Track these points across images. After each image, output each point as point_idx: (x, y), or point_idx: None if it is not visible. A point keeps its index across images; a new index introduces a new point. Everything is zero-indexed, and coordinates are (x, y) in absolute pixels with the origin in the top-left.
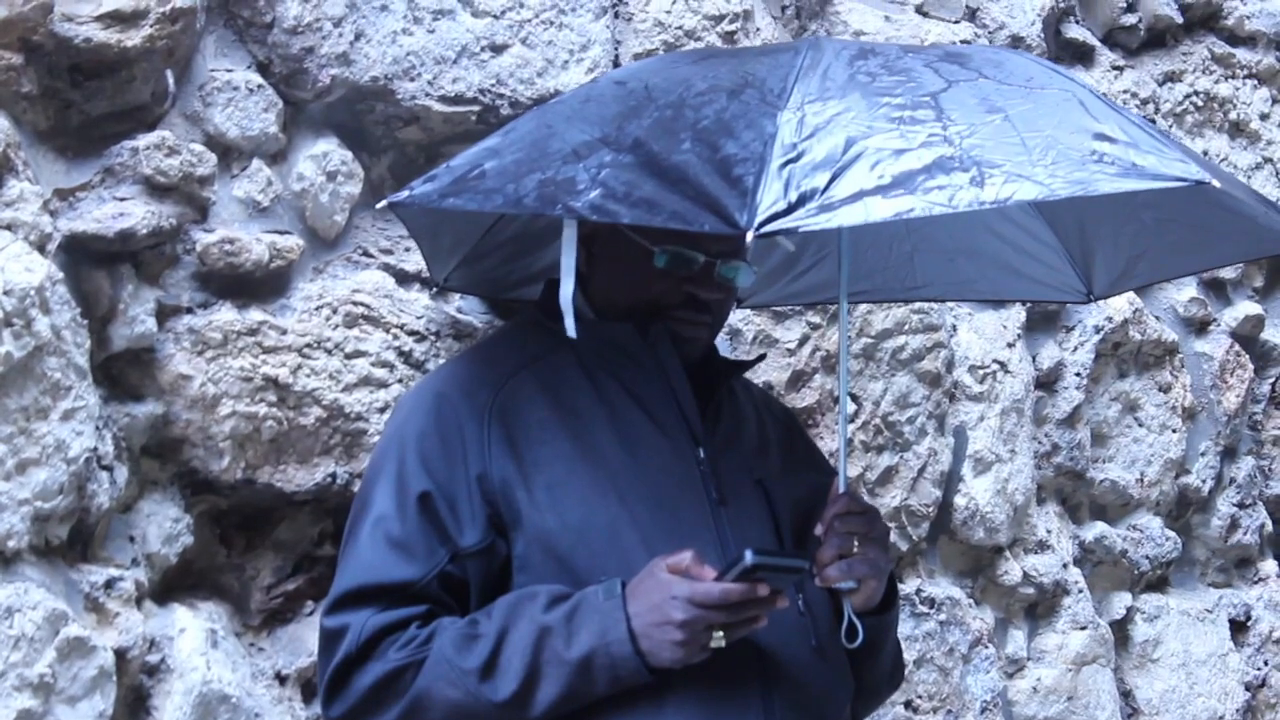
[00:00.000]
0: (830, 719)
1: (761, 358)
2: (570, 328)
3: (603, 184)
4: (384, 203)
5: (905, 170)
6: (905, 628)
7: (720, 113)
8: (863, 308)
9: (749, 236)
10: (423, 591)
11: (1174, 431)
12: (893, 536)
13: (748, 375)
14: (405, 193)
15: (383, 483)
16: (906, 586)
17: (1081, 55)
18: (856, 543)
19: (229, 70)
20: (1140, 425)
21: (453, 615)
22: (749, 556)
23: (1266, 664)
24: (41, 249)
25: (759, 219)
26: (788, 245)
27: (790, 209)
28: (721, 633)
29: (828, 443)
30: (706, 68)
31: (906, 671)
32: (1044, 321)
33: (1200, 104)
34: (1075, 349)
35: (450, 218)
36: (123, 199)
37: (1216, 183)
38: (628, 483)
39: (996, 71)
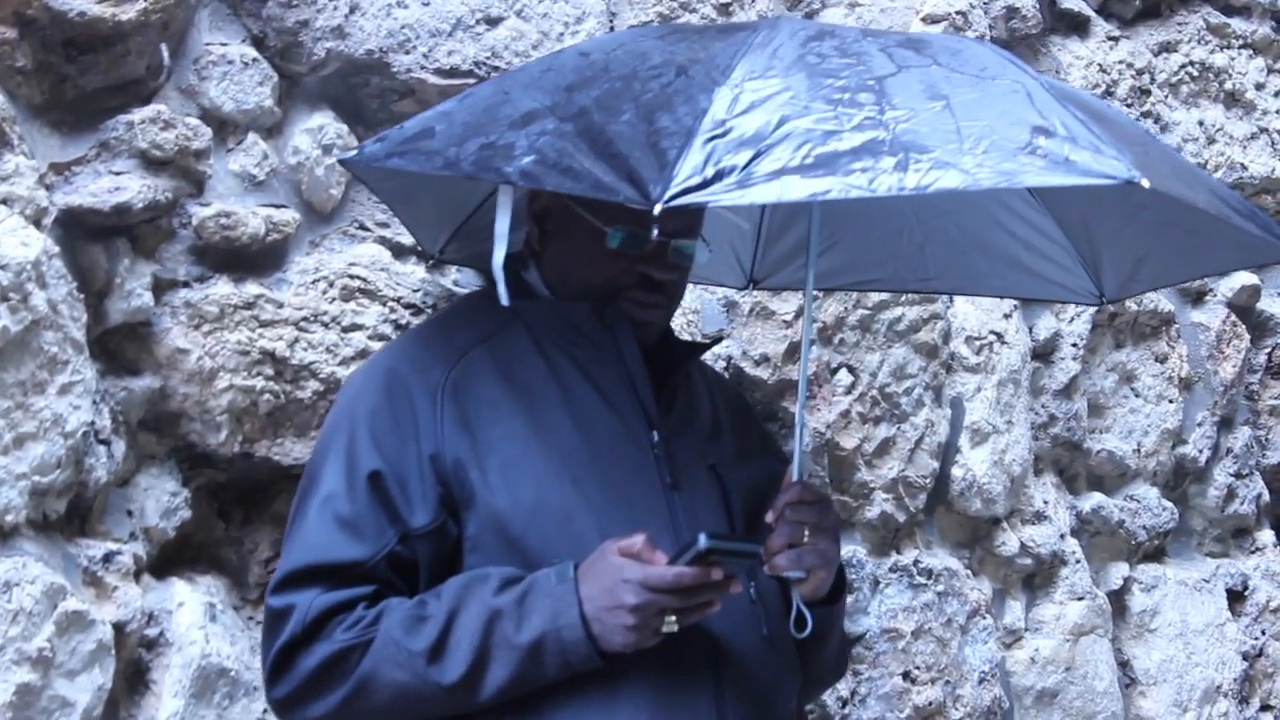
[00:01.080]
0: (779, 708)
1: (718, 340)
2: (503, 295)
3: (537, 151)
4: (333, 159)
5: (831, 151)
6: (904, 598)
7: (665, 87)
8: None
9: (656, 209)
10: (371, 572)
11: (1171, 402)
12: (890, 507)
13: (704, 358)
14: (354, 151)
15: (332, 460)
16: (904, 557)
17: (1077, 25)
18: (807, 532)
19: (224, 44)
20: (1137, 396)
21: (401, 596)
22: (703, 540)
23: (1264, 633)
24: (37, 223)
25: (670, 192)
26: (740, 222)
27: (705, 184)
28: (674, 617)
29: (823, 414)
30: (668, 43)
31: (904, 643)
32: None
33: (1196, 74)
34: (1072, 320)
35: (427, 184)
36: (118, 173)
37: (1146, 183)
38: (580, 464)
39: (951, 59)
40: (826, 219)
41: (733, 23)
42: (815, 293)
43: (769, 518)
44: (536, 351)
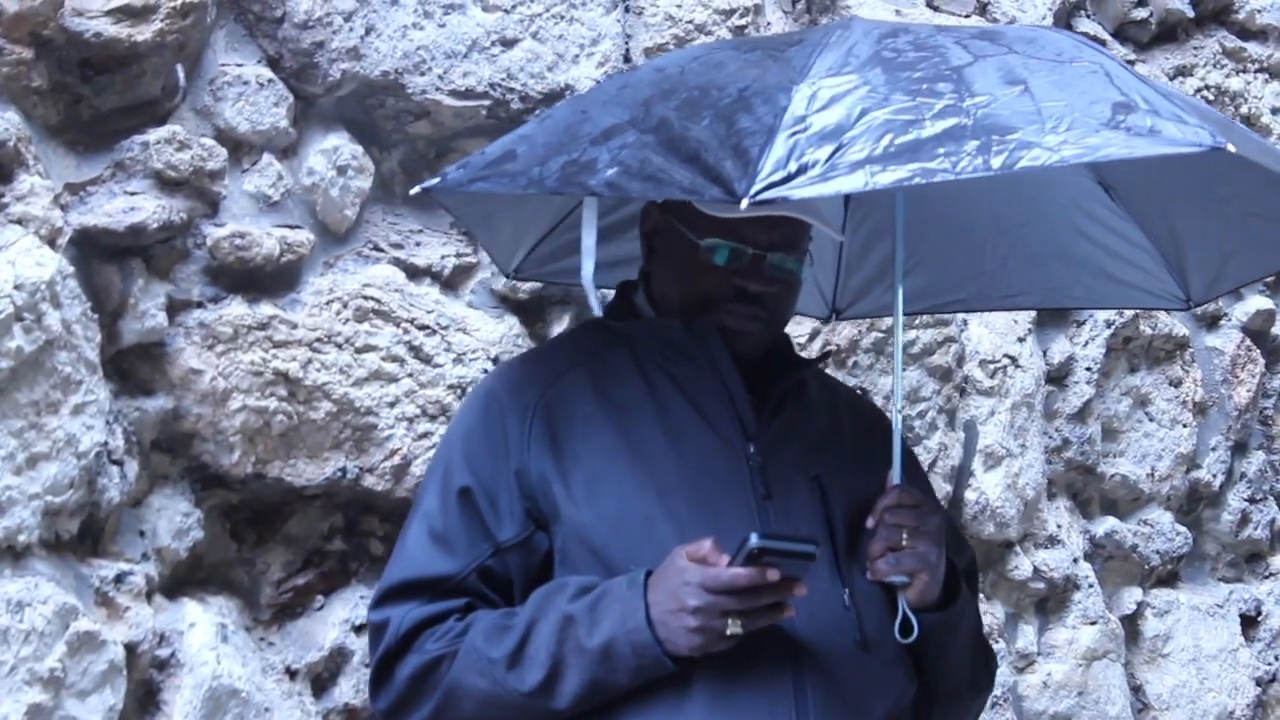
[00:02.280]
0: (871, 715)
1: (827, 355)
2: (594, 306)
3: (620, 163)
4: (417, 189)
5: (914, 139)
6: None
7: (742, 91)
8: None
9: (743, 204)
10: (462, 585)
11: (1185, 426)
12: None
13: (838, 377)
14: (437, 179)
15: (432, 479)
16: None
17: None
18: (905, 536)
19: (239, 65)
20: (1151, 420)
21: (492, 609)
22: (754, 539)
23: (1277, 659)
24: (52, 243)
25: (756, 187)
26: (834, 235)
27: (789, 178)
28: (739, 620)
29: None
30: (742, 52)
31: None
32: (1054, 316)
33: (1211, 98)
34: (1086, 343)
35: (507, 204)
36: (133, 193)
37: (1232, 148)
38: (668, 477)
39: (1027, 47)
40: (906, 240)
41: (804, 29)
42: (898, 314)
43: (869, 523)
44: (636, 371)
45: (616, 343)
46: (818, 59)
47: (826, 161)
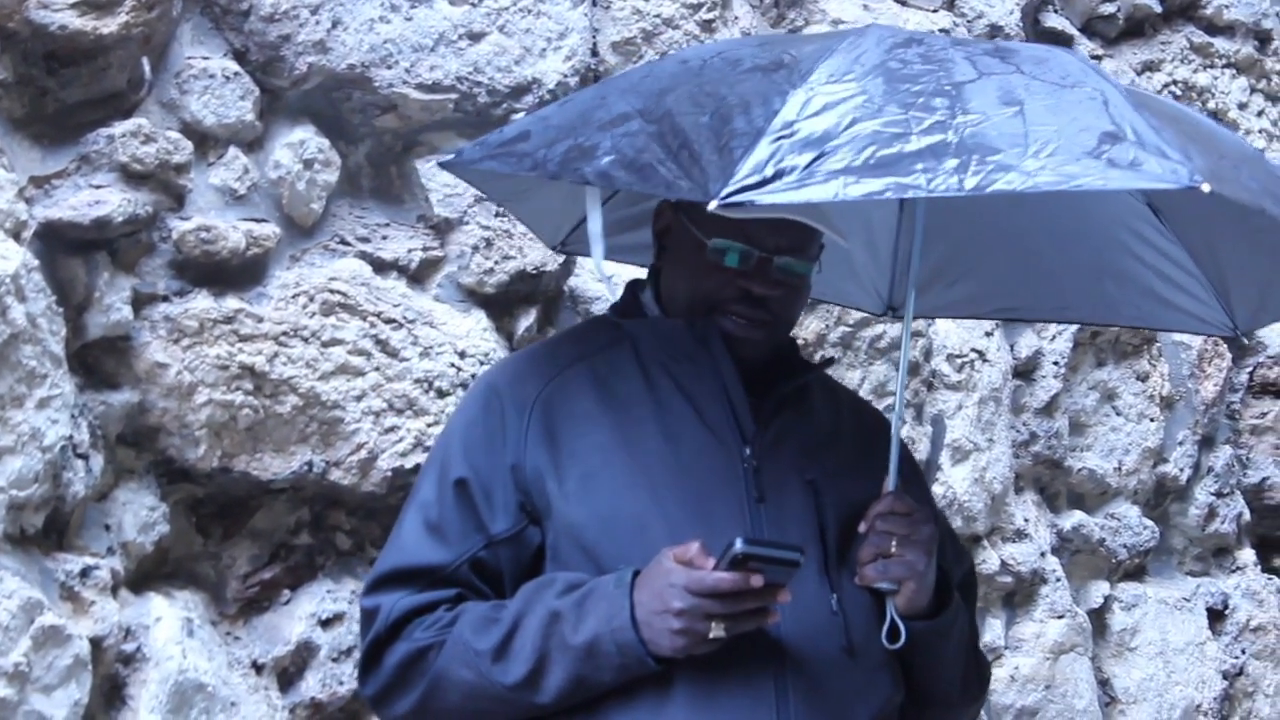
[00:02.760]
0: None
1: (831, 361)
2: (611, 289)
3: (618, 151)
4: (434, 162)
5: (896, 153)
6: None
7: (748, 90)
8: None
9: (712, 205)
10: (453, 575)
11: (1152, 420)
12: None
13: (841, 380)
14: (453, 155)
15: (429, 469)
16: None
17: (1059, 44)
18: (895, 543)
19: (205, 58)
20: (1118, 414)
21: (483, 600)
22: (738, 544)
23: (1244, 652)
24: (17, 236)
25: (729, 189)
26: (840, 240)
27: (763, 182)
28: (722, 623)
29: None
30: (763, 50)
31: None
32: None
33: (1179, 93)
34: (1053, 338)
35: (543, 181)
36: (99, 186)
37: (1206, 187)
38: (663, 476)
39: (1035, 68)
40: (958, 246)
41: (828, 31)
42: (914, 313)
43: (862, 528)
44: (638, 368)
45: (620, 340)
46: (823, 63)
47: (805, 169)
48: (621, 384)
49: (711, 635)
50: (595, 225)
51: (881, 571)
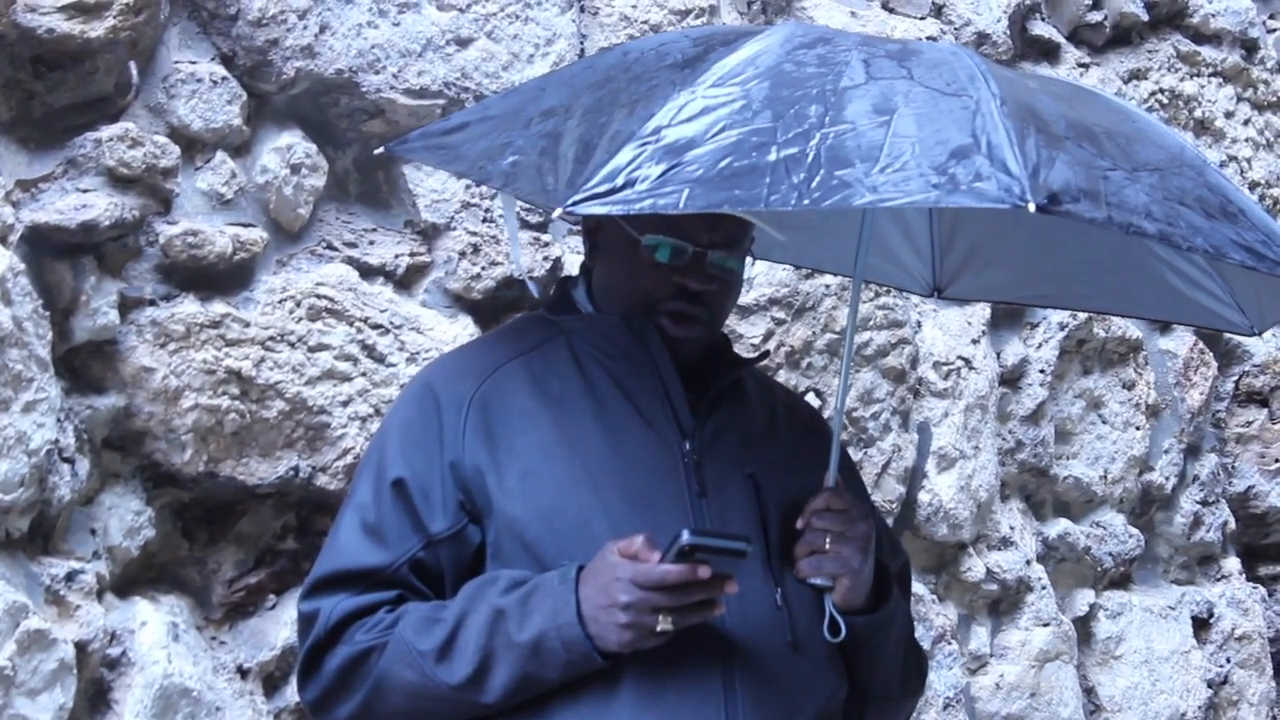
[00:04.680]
0: (804, 714)
1: (764, 355)
2: (532, 288)
3: (521, 151)
4: (380, 150)
5: (749, 164)
6: None
7: (648, 89)
8: (828, 303)
9: (555, 213)
10: (393, 577)
11: (1138, 429)
12: None
13: (791, 378)
14: (399, 141)
15: (365, 470)
16: None
17: (1047, 52)
18: (829, 540)
19: (193, 62)
20: (1104, 422)
21: (424, 601)
22: (685, 536)
23: (1229, 661)
24: (3, 240)
25: (577, 197)
26: (775, 235)
27: (612, 191)
28: (670, 617)
29: None
30: (697, 43)
31: None
32: (1009, 318)
33: (1165, 101)
34: (1040, 346)
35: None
36: (85, 190)
37: (1032, 207)
38: (604, 472)
39: (927, 73)
40: (985, 233)
41: (750, 25)
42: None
43: (799, 524)
44: (574, 365)
45: (555, 337)
46: (718, 63)
47: (657, 179)
48: (558, 381)
49: (659, 629)
50: (512, 227)
51: (816, 567)
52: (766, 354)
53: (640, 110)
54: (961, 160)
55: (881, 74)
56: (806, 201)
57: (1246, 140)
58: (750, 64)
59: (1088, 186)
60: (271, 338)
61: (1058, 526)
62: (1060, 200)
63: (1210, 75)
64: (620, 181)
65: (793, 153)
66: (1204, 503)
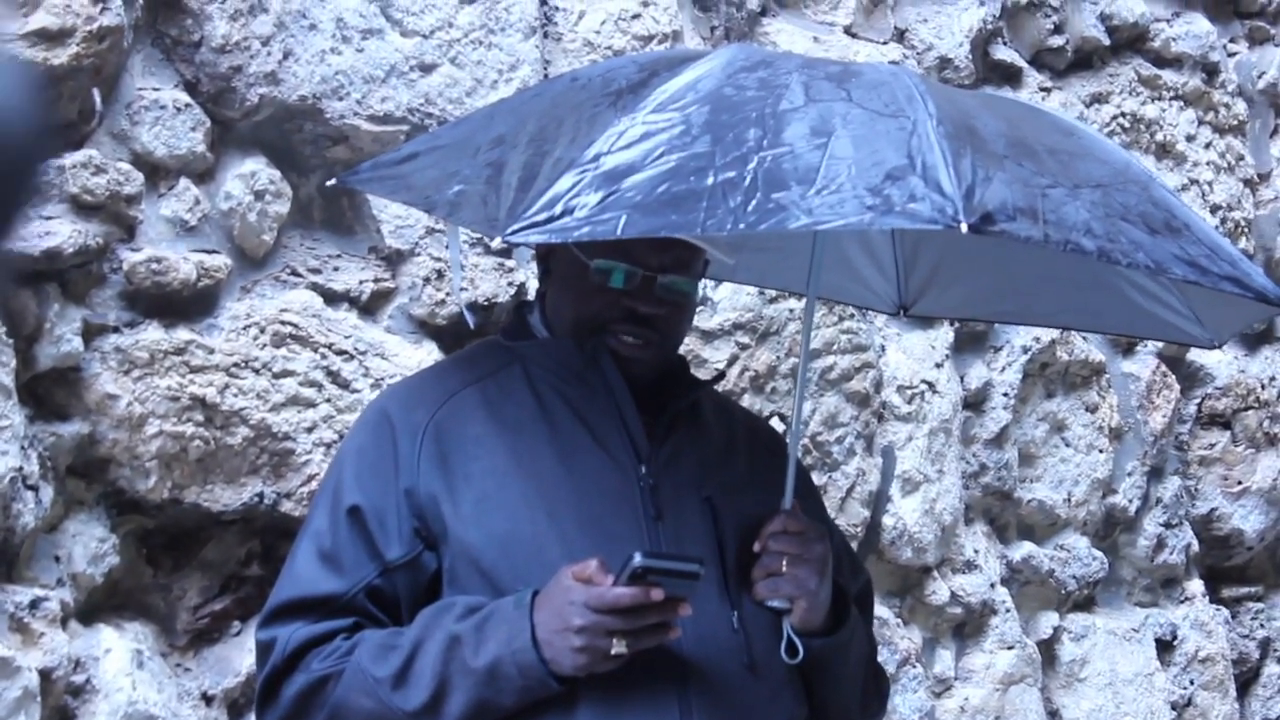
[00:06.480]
0: None
1: (721, 376)
2: (469, 319)
3: (466, 180)
4: (332, 182)
5: (687, 189)
6: None
7: (591, 115)
8: (792, 327)
9: (495, 242)
10: (349, 604)
11: (1101, 451)
12: None
13: (755, 402)
14: (354, 174)
15: (323, 498)
16: None
17: (1009, 76)
18: (785, 562)
19: (156, 89)
20: (1067, 445)
21: (381, 628)
22: (637, 558)
23: (1192, 683)
24: None
25: (515, 226)
26: (724, 259)
27: (551, 219)
28: (624, 640)
29: None
30: (642, 69)
31: None
32: (972, 342)
33: (1127, 125)
34: (1003, 369)
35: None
36: (49, 217)
37: (964, 228)
38: (559, 498)
39: (866, 94)
40: (947, 252)
41: (694, 50)
42: (815, 321)
43: (756, 547)
44: (529, 391)
45: (510, 362)
46: (660, 88)
47: (595, 205)
48: (513, 407)
49: (613, 652)
50: (455, 254)
51: (773, 589)
52: (722, 375)
53: (582, 137)
54: (896, 181)
55: (820, 96)
56: (742, 225)
57: (1208, 164)
58: (691, 89)
59: (1025, 205)
60: (236, 364)
61: (1022, 549)
62: (995, 219)
63: (1171, 99)
64: (559, 210)
65: (730, 176)
66: (1167, 525)
